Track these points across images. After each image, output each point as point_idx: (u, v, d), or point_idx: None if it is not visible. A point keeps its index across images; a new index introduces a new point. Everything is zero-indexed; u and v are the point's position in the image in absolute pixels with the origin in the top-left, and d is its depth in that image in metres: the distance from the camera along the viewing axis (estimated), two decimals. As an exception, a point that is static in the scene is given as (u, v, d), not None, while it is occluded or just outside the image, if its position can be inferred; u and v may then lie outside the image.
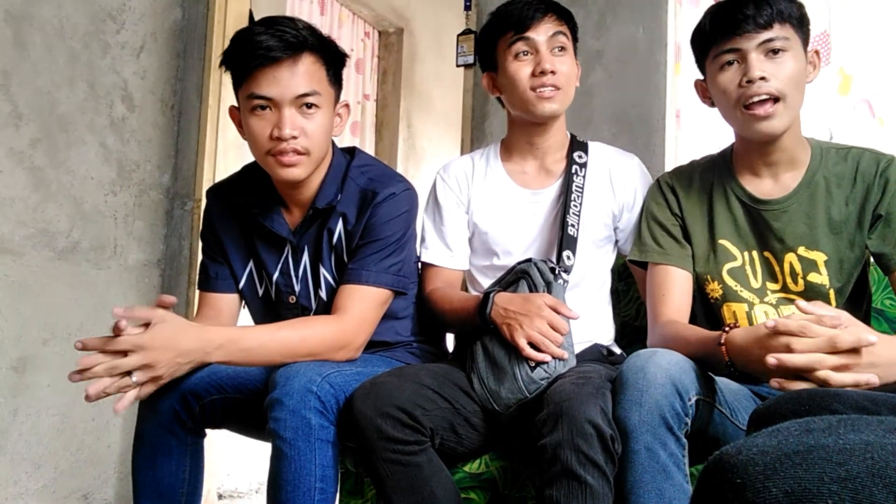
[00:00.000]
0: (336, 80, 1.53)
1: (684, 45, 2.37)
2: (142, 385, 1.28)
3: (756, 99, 1.37)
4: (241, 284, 1.63)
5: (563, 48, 1.63)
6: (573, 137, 1.74)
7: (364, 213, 1.52)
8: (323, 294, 1.58)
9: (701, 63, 1.50)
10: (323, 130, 1.49)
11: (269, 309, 1.64)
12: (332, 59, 1.51)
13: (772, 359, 1.09)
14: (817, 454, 0.54)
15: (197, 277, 1.70)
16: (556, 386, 1.32)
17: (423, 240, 1.76)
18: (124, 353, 1.25)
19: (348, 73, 4.04)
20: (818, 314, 1.12)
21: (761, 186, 1.49)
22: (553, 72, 1.59)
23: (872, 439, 0.55)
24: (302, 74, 1.44)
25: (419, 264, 1.73)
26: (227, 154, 2.87)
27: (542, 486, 1.20)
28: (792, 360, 1.08)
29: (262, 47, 1.40)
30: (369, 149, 4.23)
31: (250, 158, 1.70)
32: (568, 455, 1.17)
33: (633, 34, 2.40)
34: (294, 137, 1.43)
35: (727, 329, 1.24)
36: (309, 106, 1.45)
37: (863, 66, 2.23)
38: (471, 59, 2.66)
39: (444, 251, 1.72)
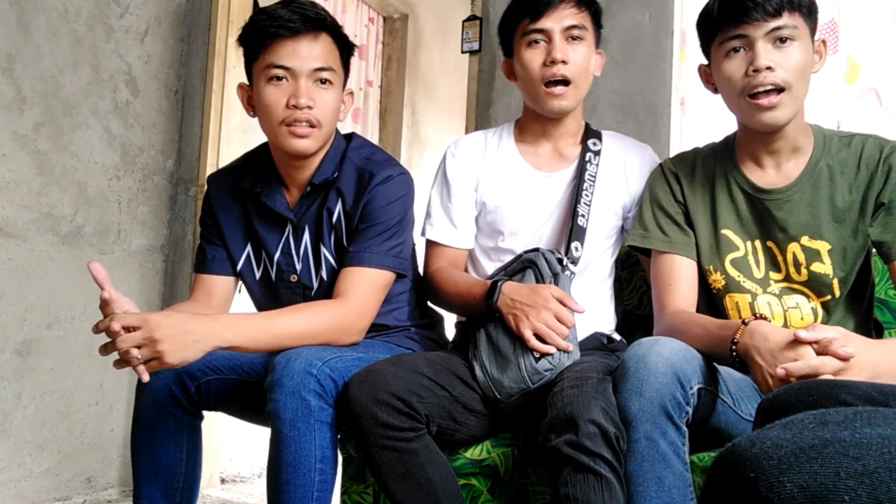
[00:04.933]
0: (345, 65, 1.60)
1: (690, 32, 2.35)
2: (146, 362, 1.27)
3: (761, 89, 1.35)
4: (240, 266, 1.64)
5: (578, 37, 1.60)
6: (587, 125, 1.72)
7: (362, 193, 1.55)
8: (324, 274, 1.60)
9: (706, 48, 1.47)
10: (334, 107, 1.55)
11: (269, 289, 1.65)
12: (344, 44, 1.58)
13: (780, 369, 1.12)
14: (833, 448, 0.53)
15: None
16: (557, 390, 1.31)
17: (428, 216, 1.74)
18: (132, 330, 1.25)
19: (351, 60, 4.02)
20: (823, 340, 1.12)
21: (764, 175, 1.48)
22: (564, 61, 1.57)
23: (890, 433, 0.54)
24: (320, 49, 1.51)
25: (415, 246, 1.72)
26: (230, 139, 2.87)
27: (557, 486, 1.20)
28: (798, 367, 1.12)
29: (283, 19, 1.48)
30: (373, 136, 4.20)
31: (253, 144, 1.71)
32: (577, 455, 1.17)
33: (640, 21, 2.38)
34: (309, 108, 1.49)
35: (757, 316, 1.25)
36: (323, 81, 1.51)
37: (870, 55, 2.21)
38: (476, 46, 2.63)
39: (449, 229, 1.70)
